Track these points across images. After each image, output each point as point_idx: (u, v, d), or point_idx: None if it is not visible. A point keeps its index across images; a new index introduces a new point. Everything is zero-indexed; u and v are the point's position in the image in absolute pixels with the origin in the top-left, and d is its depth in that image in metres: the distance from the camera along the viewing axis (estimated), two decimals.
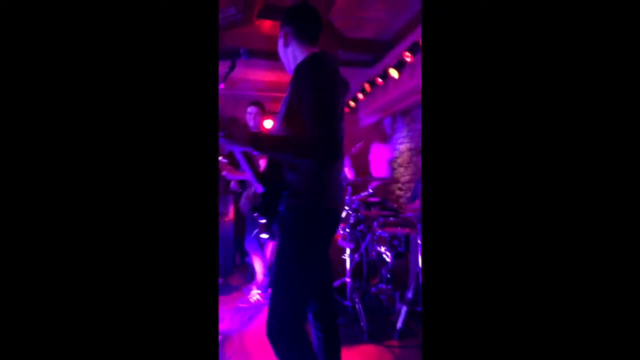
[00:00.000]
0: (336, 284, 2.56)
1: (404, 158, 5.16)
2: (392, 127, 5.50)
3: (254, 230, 2.83)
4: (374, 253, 2.80)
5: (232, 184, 3.13)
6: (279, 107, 1.23)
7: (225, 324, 2.44)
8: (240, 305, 2.78)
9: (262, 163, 2.59)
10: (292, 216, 1.16)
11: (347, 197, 2.78)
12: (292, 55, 1.26)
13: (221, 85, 1.17)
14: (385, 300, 2.58)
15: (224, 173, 2.75)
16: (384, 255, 2.65)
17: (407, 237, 2.63)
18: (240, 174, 2.74)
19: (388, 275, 2.65)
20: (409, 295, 2.23)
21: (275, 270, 1.16)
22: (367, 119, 5.72)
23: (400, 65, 3.69)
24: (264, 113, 2.91)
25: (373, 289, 2.74)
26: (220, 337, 2.23)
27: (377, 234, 2.72)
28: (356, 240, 2.82)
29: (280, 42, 1.28)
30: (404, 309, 2.21)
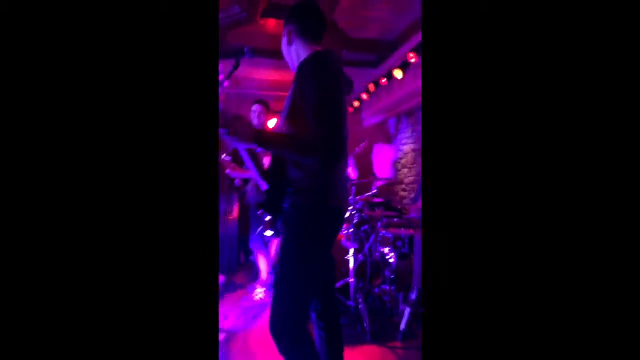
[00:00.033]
0: (339, 283, 2.55)
1: (408, 159, 5.14)
2: (397, 127, 5.49)
3: (258, 228, 2.83)
4: (377, 253, 2.79)
5: (236, 180, 3.14)
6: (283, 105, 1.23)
7: (229, 322, 2.44)
8: (244, 303, 2.78)
9: (266, 161, 2.59)
10: (296, 213, 1.15)
11: (350, 197, 2.77)
12: (295, 53, 1.26)
13: (225, 84, 1.17)
14: (389, 301, 2.57)
15: (227, 171, 2.75)
16: (387, 257, 2.63)
17: (410, 238, 2.61)
18: (244, 172, 2.74)
19: (391, 276, 2.64)
20: (412, 296, 2.22)
21: (279, 268, 1.16)
22: (371, 119, 5.71)
23: (404, 66, 3.69)
24: (269, 111, 2.90)
25: (376, 290, 2.73)
26: (224, 336, 2.22)
27: (381, 234, 2.70)
28: (360, 241, 2.81)
29: (284, 40, 1.28)
30: (407, 310, 2.19)
